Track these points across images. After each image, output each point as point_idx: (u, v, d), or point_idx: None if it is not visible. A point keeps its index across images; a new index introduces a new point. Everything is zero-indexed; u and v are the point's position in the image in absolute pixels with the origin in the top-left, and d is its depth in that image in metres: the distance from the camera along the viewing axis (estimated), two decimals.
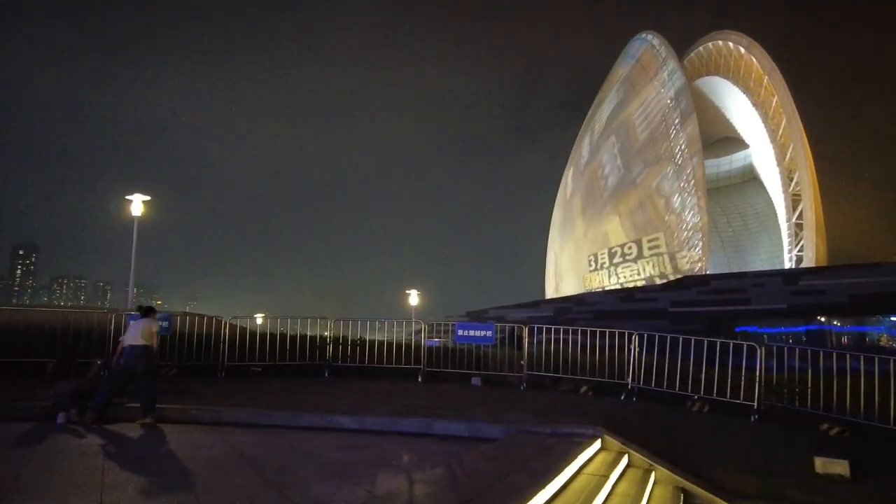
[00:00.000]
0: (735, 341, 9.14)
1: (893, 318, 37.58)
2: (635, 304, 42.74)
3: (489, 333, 10.81)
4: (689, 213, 52.23)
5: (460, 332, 11.03)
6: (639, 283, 55.11)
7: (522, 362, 10.70)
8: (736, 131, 62.78)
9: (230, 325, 11.58)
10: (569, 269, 65.82)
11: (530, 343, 10.87)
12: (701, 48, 62.36)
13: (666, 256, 53.79)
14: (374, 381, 11.07)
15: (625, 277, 57.44)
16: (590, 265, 61.48)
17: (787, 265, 51.99)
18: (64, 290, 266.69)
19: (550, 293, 68.13)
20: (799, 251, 51.33)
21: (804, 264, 49.84)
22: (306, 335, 11.99)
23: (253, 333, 11.60)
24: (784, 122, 52.64)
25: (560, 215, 69.71)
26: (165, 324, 11.01)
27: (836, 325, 37.98)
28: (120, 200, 14.66)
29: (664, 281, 52.53)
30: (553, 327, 10.84)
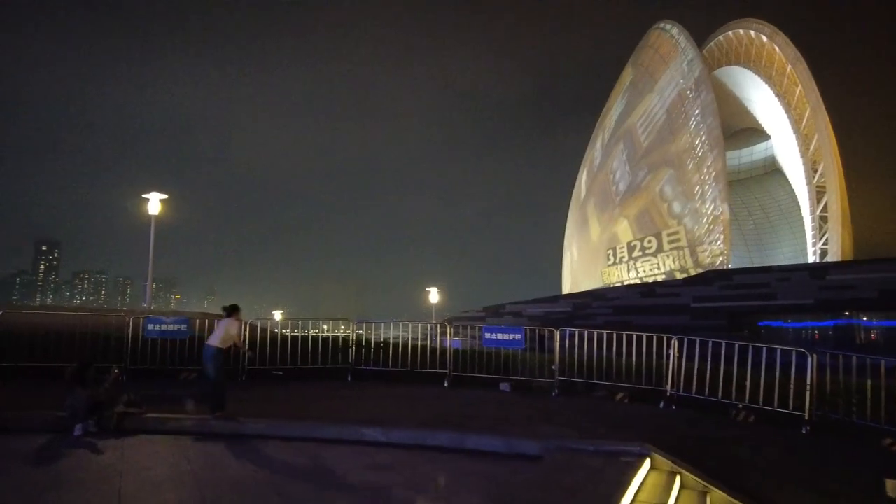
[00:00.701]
0: (783, 347, 8.59)
1: None
2: (656, 299, 41.96)
3: (518, 337, 10.36)
4: (709, 205, 51.20)
5: (488, 336, 10.59)
6: (659, 278, 54.22)
7: (554, 367, 10.24)
8: (757, 122, 61.41)
9: (250, 326, 11.25)
10: (586, 264, 65.04)
11: (561, 347, 10.39)
12: (721, 37, 60.97)
13: (686, 250, 52.84)
14: (398, 386, 10.68)
15: (644, 272, 56.57)
16: (608, 259, 60.64)
17: (812, 259, 50.81)
18: (85, 286, 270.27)
19: (568, 288, 67.45)
20: (823, 244, 50.11)
21: (829, 257, 48.65)
22: (328, 338, 11.63)
23: (274, 336, 11.26)
24: (808, 112, 51.31)
25: (577, 208, 68.90)
26: (184, 327, 10.71)
27: (864, 319, 36.95)
28: (138, 198, 14.44)
29: (685, 275, 51.61)
30: (587, 331, 10.36)
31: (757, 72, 57.06)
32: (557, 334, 10.31)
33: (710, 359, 9.13)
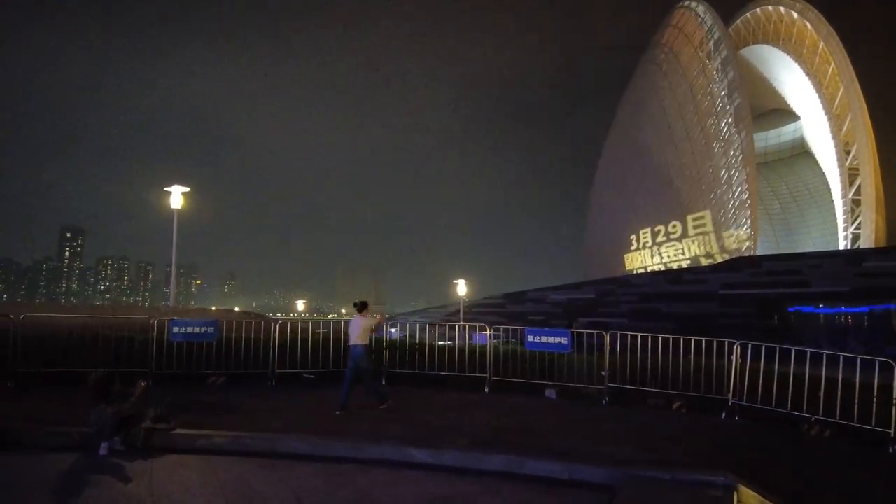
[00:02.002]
0: (864, 357, 7.82)
1: None
2: (683, 286, 40.98)
3: (565, 340, 9.68)
4: (736, 189, 49.82)
5: (531, 339, 9.93)
6: (683, 264, 53.08)
7: (604, 373, 9.56)
8: (785, 102, 59.46)
9: (280, 328, 10.72)
10: (608, 249, 63.95)
11: (612, 351, 9.70)
12: (748, 14, 58.86)
13: (712, 235, 51.59)
14: (435, 392, 10.10)
15: (668, 257, 55.44)
16: (631, 245, 59.56)
17: (842, 243, 49.31)
18: (108, 271, 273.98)
19: (590, 274, 66.44)
20: (856, 229, 48.56)
21: (861, 242, 47.15)
22: None
23: (305, 338, 10.72)
24: (841, 91, 49.42)
25: (599, 191, 67.65)
26: (211, 329, 10.21)
27: None
28: (160, 190, 13.94)
29: (710, 261, 50.43)
30: (640, 335, 9.64)
31: (786, 50, 55.03)
32: (608, 337, 9.61)
33: (777, 366, 8.39)
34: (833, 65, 50.40)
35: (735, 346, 8.79)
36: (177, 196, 13.87)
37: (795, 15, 53.23)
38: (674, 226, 55.75)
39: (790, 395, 8.14)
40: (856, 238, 48.68)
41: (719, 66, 52.36)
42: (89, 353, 9.77)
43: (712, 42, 53.57)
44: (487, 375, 10.27)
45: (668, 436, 7.61)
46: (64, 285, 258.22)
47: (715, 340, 9.11)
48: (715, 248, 51.89)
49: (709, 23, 54.45)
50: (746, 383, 8.59)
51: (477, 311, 55.75)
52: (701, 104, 54.15)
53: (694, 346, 9.21)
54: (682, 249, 54.83)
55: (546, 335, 9.85)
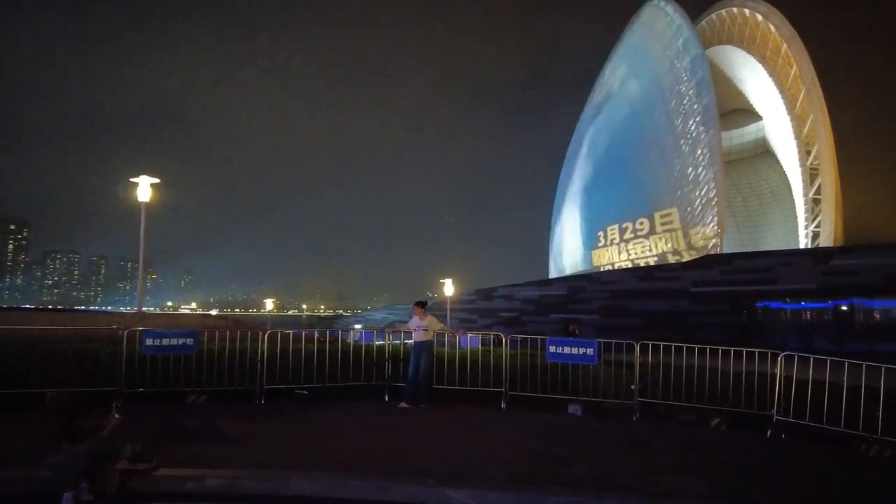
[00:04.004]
0: None
1: None
2: (655, 283, 41.04)
3: (591, 351, 8.82)
4: (703, 187, 50.37)
5: (552, 350, 9.03)
6: (650, 260, 53.46)
7: (634, 387, 8.75)
8: (748, 103, 60.64)
9: (269, 338, 9.49)
10: (575, 246, 64.07)
11: (642, 363, 8.88)
12: (713, 16, 59.67)
13: (679, 232, 52.07)
14: (447, 409, 9.09)
15: (636, 254, 55.77)
16: (598, 241, 59.71)
17: (803, 241, 50.56)
18: (57, 266, 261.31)
19: (556, 271, 66.50)
20: (816, 227, 49.83)
21: (822, 241, 48.39)
22: (360, 349, 9.93)
23: (297, 349, 9.52)
24: (803, 92, 50.54)
25: (566, 189, 67.63)
26: (190, 341, 8.91)
27: (865, 300, 36.47)
28: (125, 181, 12.39)
29: (677, 258, 50.91)
30: (673, 345, 8.86)
31: (750, 51, 56.00)
32: (637, 347, 8.80)
33: (827, 379, 7.73)
34: (795, 67, 51.48)
35: (779, 358, 8.08)
36: (145, 187, 12.33)
37: (760, 17, 54.16)
38: (641, 223, 56.11)
39: (843, 411, 7.47)
40: (816, 236, 49.95)
41: (688, 66, 52.78)
42: (48, 369, 8.35)
43: (681, 41, 53.99)
44: (504, 390, 9.31)
45: (726, 460, 6.85)
46: (7, 280, 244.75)
47: (756, 351, 8.40)
48: (682, 245, 52.40)
49: (677, 22, 54.87)
50: (793, 398, 7.90)
51: (446, 308, 54.90)
52: (669, 102, 54.51)
53: (733, 356, 8.48)
54: (650, 246, 55.24)
55: (570, 346, 8.97)
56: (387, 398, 9.65)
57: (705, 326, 34.73)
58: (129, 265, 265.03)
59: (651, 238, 54.51)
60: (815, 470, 6.67)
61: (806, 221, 50.86)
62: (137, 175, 12.21)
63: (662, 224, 53.66)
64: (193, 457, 6.43)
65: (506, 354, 9.40)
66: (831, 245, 45.44)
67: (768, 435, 8.00)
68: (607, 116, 61.85)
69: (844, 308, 36.97)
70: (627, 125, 58.34)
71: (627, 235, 56.85)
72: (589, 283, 46.42)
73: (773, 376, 8.12)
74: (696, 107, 51.47)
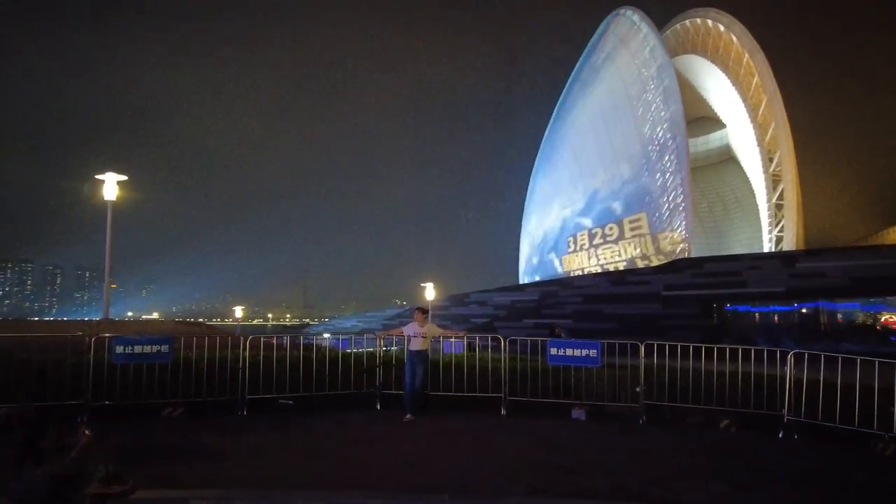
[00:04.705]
0: None
1: None
2: (627, 287, 41.35)
3: (594, 353, 8.45)
4: (671, 193, 51.16)
5: (553, 352, 8.63)
6: (620, 265, 53.97)
7: (638, 389, 8.40)
8: (712, 111, 62.06)
9: (250, 344, 8.81)
10: (546, 251, 64.31)
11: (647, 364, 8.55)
12: (678, 26, 61.01)
13: (648, 237, 52.72)
14: (444, 417, 8.58)
15: (605, 259, 56.24)
16: (569, 246, 60.05)
17: (767, 246, 51.79)
18: (8, 276, 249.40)
19: (527, 277, 66.57)
20: (779, 231, 51.11)
21: (785, 245, 49.65)
22: (350, 355, 9.33)
23: (282, 356, 8.87)
24: (765, 101, 51.95)
25: (536, 195, 67.95)
26: (165, 348, 8.19)
27: (829, 302, 37.45)
28: (90, 179, 11.51)
29: (646, 262, 51.52)
30: (679, 345, 8.56)
31: (714, 61, 57.35)
32: (642, 348, 8.47)
33: (839, 377, 7.52)
34: (757, 77, 52.91)
35: (789, 356, 7.85)
36: (111, 186, 11.42)
37: (723, 28, 55.56)
38: (611, 228, 56.65)
39: (857, 409, 7.26)
40: (779, 240, 51.20)
41: (655, 74, 53.66)
42: (3, 381, 7.51)
43: (648, 49, 54.90)
44: (503, 395, 8.85)
45: (745, 464, 6.54)
46: None
47: (766, 350, 8.16)
48: (651, 250, 53.04)
49: (644, 30, 55.80)
50: (805, 397, 7.67)
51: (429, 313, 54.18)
52: (636, 110, 55.31)
53: (741, 356, 8.21)
54: (619, 251, 55.76)
55: (572, 347, 8.57)
56: (378, 407, 9.08)
57: (676, 329, 35.04)
58: (86, 274, 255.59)
59: (620, 243, 55.05)
60: (840, 472, 6.42)
61: (770, 226, 52.13)
62: (105, 175, 11.31)
63: (631, 229, 54.27)
64: (173, 477, 5.77)
65: (504, 358, 8.96)
66: (794, 248, 46.66)
67: (780, 436, 7.74)
68: (575, 124, 62.44)
69: (810, 310, 37.91)
70: (595, 133, 58.98)
71: (597, 241, 57.30)
72: (561, 288, 46.52)
73: (782, 375, 7.88)
74: (663, 114, 52.34)
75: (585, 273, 54.85)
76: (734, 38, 54.03)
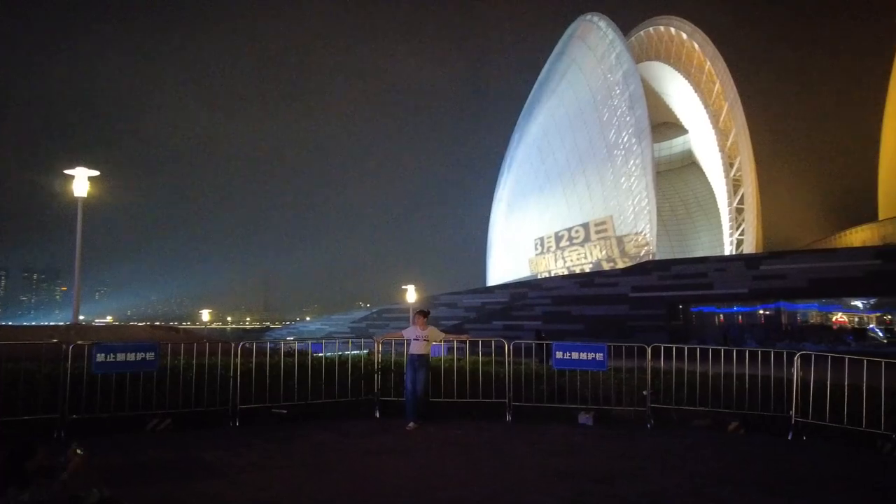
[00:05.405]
0: None
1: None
2: (596, 288, 41.80)
3: (601, 356, 8.26)
4: (636, 197, 52.07)
5: (559, 355, 8.40)
6: (586, 267, 54.62)
7: (646, 393, 8.26)
8: (675, 117, 63.50)
9: (243, 349, 8.29)
10: (513, 254, 64.59)
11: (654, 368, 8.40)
12: (642, 33, 62.27)
13: (614, 240, 53.52)
14: (449, 425, 8.25)
15: (572, 261, 56.85)
16: (536, 248, 60.48)
17: (728, 248, 53.20)
18: None
19: (494, 278, 66.72)
20: (740, 234, 52.60)
21: (745, 247, 51.13)
22: (346, 361, 8.88)
23: (275, 362, 8.37)
24: (726, 108, 53.45)
25: (503, 198, 68.20)
26: (151, 355, 7.60)
27: (789, 303, 38.71)
28: (58, 175, 10.63)
29: (612, 265, 52.26)
30: (686, 347, 8.46)
31: (677, 68, 58.74)
32: (649, 351, 8.33)
33: (846, 378, 7.54)
34: (718, 84, 54.41)
35: (796, 358, 7.84)
36: (82, 181, 10.61)
37: (685, 36, 56.95)
38: (577, 231, 57.30)
39: (864, 410, 7.28)
40: (740, 243, 52.66)
41: (620, 79, 54.53)
42: None
43: (614, 55, 55.77)
44: (507, 401, 8.58)
45: (768, 468, 6.43)
46: None
47: (772, 352, 8.13)
48: (616, 253, 53.86)
49: (610, 36, 56.66)
50: (812, 398, 7.65)
51: (387, 317, 53.65)
52: (602, 114, 56.11)
53: (748, 358, 8.17)
54: (585, 253, 56.46)
55: (578, 350, 8.37)
56: (378, 415, 8.68)
57: (644, 330, 35.60)
58: (34, 276, 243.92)
59: (586, 245, 55.75)
60: (866, 475, 6.37)
61: (731, 229, 53.57)
62: (75, 169, 10.47)
63: (597, 232, 55.01)
64: (171, 499, 5.28)
65: (508, 363, 8.68)
66: (754, 251, 48.07)
67: (790, 437, 7.71)
68: (542, 127, 62.95)
69: (772, 310, 39.12)
70: (562, 136, 59.57)
71: (564, 243, 57.89)
72: (531, 289, 46.73)
73: (789, 377, 7.86)
74: (628, 119, 53.24)
75: (553, 275, 55.29)
76: (696, 46, 55.46)
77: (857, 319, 41.44)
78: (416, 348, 8.28)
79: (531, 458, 6.75)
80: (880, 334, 36.74)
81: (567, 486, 5.69)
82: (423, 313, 8.70)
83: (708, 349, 8.47)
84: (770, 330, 37.90)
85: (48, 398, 7.15)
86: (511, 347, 8.76)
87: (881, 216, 55.15)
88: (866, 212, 60.56)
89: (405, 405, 8.21)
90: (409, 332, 8.53)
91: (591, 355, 8.34)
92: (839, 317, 42.28)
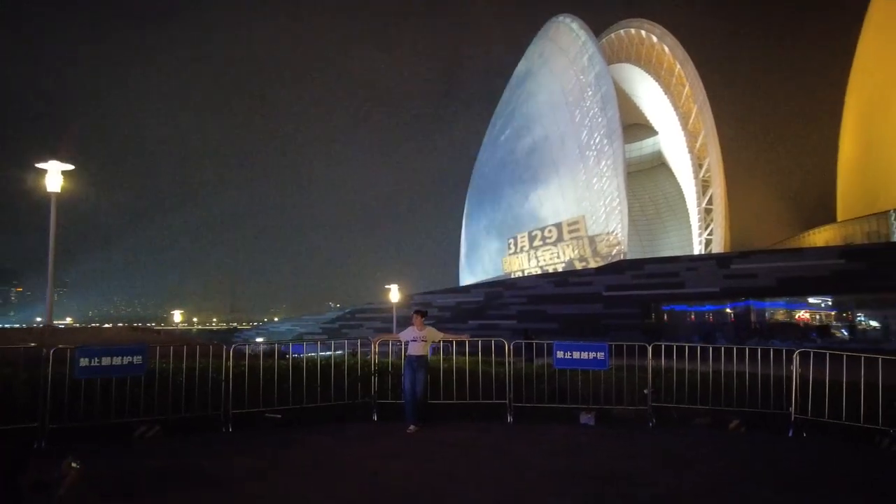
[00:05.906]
0: None
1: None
2: (570, 287, 42.14)
3: (602, 355, 8.18)
4: (608, 197, 52.71)
5: (560, 355, 8.29)
6: (559, 267, 55.05)
7: (647, 392, 8.22)
8: (645, 118, 64.54)
9: (234, 351, 7.92)
10: (486, 253, 64.72)
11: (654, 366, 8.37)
12: (613, 35, 63.09)
13: (586, 240, 54.06)
14: (449, 427, 8.06)
15: (545, 261, 57.22)
16: (509, 248, 60.68)
17: (698, 248, 54.30)
18: None
19: (468, 278, 66.73)
20: (709, 234, 53.73)
21: (714, 247, 52.25)
22: (342, 363, 8.60)
23: (269, 366, 8.05)
24: (695, 110, 54.53)
25: (476, 199, 68.27)
26: (139, 359, 7.20)
27: (758, 301, 39.61)
28: (31, 169, 10.01)
29: (584, 264, 52.80)
30: (687, 345, 8.46)
31: (647, 70, 59.71)
32: (650, 350, 8.29)
33: (845, 375, 7.62)
34: (688, 87, 55.46)
35: (795, 355, 7.90)
36: (55, 176, 10.03)
37: (655, 39, 57.89)
38: (549, 231, 57.68)
39: (862, 406, 7.37)
40: (708, 243, 53.75)
41: (592, 81, 55.09)
42: None
43: (586, 57, 56.28)
44: (507, 401, 8.43)
45: (775, 466, 6.43)
46: None
47: (772, 350, 8.17)
48: (588, 252, 54.39)
49: (583, 38, 57.17)
50: (811, 395, 7.72)
51: (360, 318, 53.09)
52: (574, 115, 56.61)
53: (748, 355, 8.20)
54: (558, 253, 56.85)
55: (578, 350, 8.27)
56: (375, 418, 8.43)
57: (618, 328, 36.03)
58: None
59: (559, 245, 56.18)
60: (872, 473, 6.42)
61: (700, 229, 54.68)
62: (48, 163, 9.88)
63: (570, 232, 55.50)
64: None
65: (509, 363, 8.53)
66: (722, 251, 49.16)
67: (790, 434, 7.76)
68: (515, 128, 63.22)
69: (742, 308, 40.01)
70: (534, 137, 59.92)
71: (537, 243, 58.23)
72: (506, 289, 46.82)
73: (788, 374, 7.91)
74: (600, 120, 53.84)
75: (526, 274, 55.57)
76: (666, 49, 56.44)
77: (818, 317, 42.73)
78: (415, 349, 8.07)
79: (537, 460, 6.60)
80: (844, 332, 37.92)
81: (580, 488, 5.56)
82: (420, 313, 8.48)
83: (708, 347, 8.45)
84: (739, 328, 38.74)
85: (27, 405, 6.69)
86: (512, 347, 8.61)
87: (840, 217, 57.05)
88: (826, 213, 62.56)
89: (404, 407, 7.98)
90: (407, 334, 8.31)
91: (592, 354, 8.25)
92: (802, 314, 43.54)
